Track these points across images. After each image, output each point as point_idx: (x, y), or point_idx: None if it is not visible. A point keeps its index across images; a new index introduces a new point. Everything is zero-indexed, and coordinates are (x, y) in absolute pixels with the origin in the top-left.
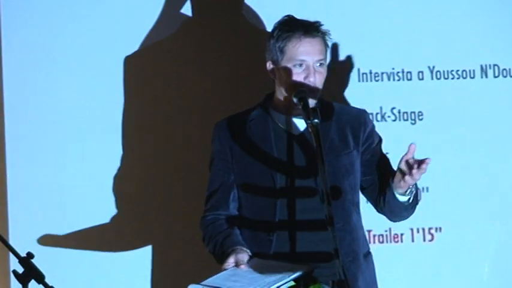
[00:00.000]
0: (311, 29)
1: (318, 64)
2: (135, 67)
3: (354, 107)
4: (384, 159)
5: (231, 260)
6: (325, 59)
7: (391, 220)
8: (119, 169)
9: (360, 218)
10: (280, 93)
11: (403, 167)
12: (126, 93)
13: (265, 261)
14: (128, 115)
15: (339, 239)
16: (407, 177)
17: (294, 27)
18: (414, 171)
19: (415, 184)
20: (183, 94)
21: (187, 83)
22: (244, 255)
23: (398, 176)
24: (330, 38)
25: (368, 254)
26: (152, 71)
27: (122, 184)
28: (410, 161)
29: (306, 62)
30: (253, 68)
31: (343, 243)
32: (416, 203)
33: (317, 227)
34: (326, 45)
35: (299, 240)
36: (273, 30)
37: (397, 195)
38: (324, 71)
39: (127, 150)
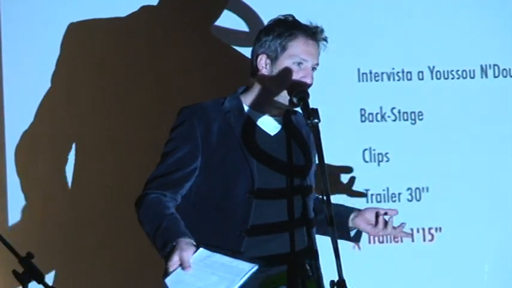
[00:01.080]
0: (317, 33)
1: (312, 68)
2: (135, 66)
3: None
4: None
5: (175, 259)
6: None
7: None
8: (119, 168)
9: None
10: (262, 91)
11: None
12: (127, 93)
13: (209, 253)
14: (127, 114)
15: (312, 238)
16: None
17: (301, 27)
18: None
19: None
20: (183, 94)
21: (186, 82)
22: (189, 252)
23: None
24: (325, 46)
25: None
26: (152, 70)
27: (122, 183)
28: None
29: (306, 63)
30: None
31: (314, 243)
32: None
33: (290, 229)
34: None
35: (270, 242)
36: (273, 26)
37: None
38: (313, 75)
39: (127, 149)
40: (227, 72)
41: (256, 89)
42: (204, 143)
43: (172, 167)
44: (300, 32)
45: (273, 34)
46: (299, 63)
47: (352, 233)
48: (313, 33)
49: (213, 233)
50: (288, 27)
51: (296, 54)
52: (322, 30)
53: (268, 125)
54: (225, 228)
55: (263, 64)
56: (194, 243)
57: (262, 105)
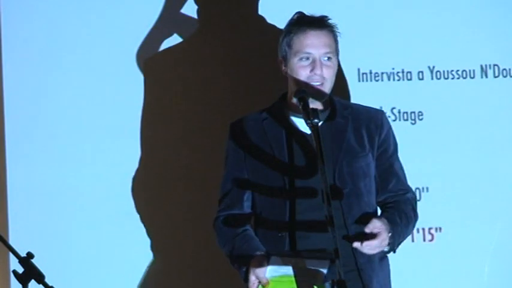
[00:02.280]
0: (317, 22)
1: (326, 58)
2: (135, 67)
3: (370, 107)
4: (392, 174)
5: (252, 279)
6: (333, 52)
7: None
8: (119, 169)
9: None
10: (291, 92)
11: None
12: (126, 93)
13: (280, 262)
14: (128, 115)
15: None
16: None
17: (301, 21)
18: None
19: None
20: (187, 95)
21: (194, 85)
22: (262, 269)
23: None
24: (339, 32)
25: (384, 258)
26: (154, 71)
27: (123, 183)
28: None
29: (312, 55)
30: (268, 69)
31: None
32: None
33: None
34: (335, 39)
35: (311, 239)
36: (284, 28)
37: None
38: (332, 64)
39: (127, 149)
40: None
41: (288, 91)
42: (246, 154)
43: (229, 185)
44: (299, 26)
45: (282, 36)
46: (307, 58)
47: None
48: (312, 23)
49: (261, 237)
50: (291, 25)
51: (299, 50)
52: (324, 19)
53: (304, 124)
54: (268, 231)
55: (281, 67)
56: (264, 254)
57: (296, 106)
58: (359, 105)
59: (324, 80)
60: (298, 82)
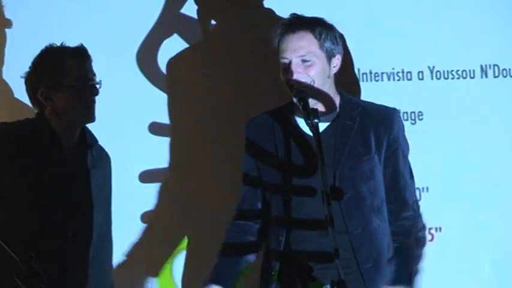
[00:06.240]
0: (291, 24)
1: (301, 60)
2: (136, 67)
3: (382, 106)
4: (397, 181)
5: None
6: (312, 52)
7: None
8: (120, 168)
9: (383, 224)
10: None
11: None
12: (126, 93)
13: None
14: (129, 115)
15: (357, 244)
16: None
17: (281, 25)
18: None
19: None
20: (193, 95)
21: (201, 84)
22: None
23: None
24: (324, 28)
25: (391, 258)
26: (152, 71)
27: (124, 183)
28: None
29: (287, 60)
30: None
31: (361, 249)
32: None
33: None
34: (315, 36)
35: (310, 239)
36: None
37: None
38: (313, 64)
39: (127, 149)
40: None
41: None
42: (259, 155)
43: (245, 188)
44: (279, 31)
45: None
46: (284, 62)
47: None
48: (288, 27)
49: (269, 237)
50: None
51: (280, 55)
52: (300, 20)
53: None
54: (271, 230)
55: None
56: None
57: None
58: (371, 103)
59: (299, 83)
60: (287, 85)
